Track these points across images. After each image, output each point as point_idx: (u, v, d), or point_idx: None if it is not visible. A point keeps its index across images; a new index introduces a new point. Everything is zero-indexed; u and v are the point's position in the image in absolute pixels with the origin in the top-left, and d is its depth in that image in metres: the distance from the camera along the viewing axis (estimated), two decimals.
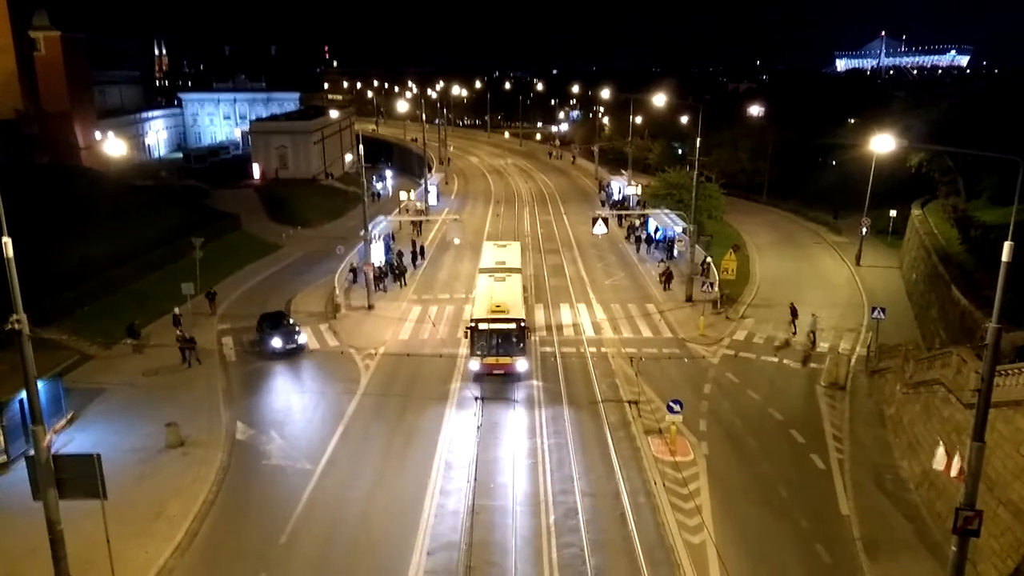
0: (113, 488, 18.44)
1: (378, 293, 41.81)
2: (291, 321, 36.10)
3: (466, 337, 30.80)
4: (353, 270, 44.42)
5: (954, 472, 16.75)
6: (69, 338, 34.68)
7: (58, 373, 29.66)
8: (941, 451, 17.83)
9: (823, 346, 34.72)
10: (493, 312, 30.40)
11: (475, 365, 30.32)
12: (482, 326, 29.94)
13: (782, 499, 22.55)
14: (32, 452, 17.84)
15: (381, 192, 78.45)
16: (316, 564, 19.59)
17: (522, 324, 30.17)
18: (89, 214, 50.26)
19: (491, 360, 30.05)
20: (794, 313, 36.75)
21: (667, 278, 44.60)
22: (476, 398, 28.68)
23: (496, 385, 30.26)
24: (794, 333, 36.06)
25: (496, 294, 32.21)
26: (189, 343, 33.33)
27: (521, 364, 30.23)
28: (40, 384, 20.19)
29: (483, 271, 36.79)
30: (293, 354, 33.77)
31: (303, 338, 34.46)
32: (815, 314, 35.80)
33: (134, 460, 24.41)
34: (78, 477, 17.58)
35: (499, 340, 29.89)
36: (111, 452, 22.71)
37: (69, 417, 27.09)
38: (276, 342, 33.74)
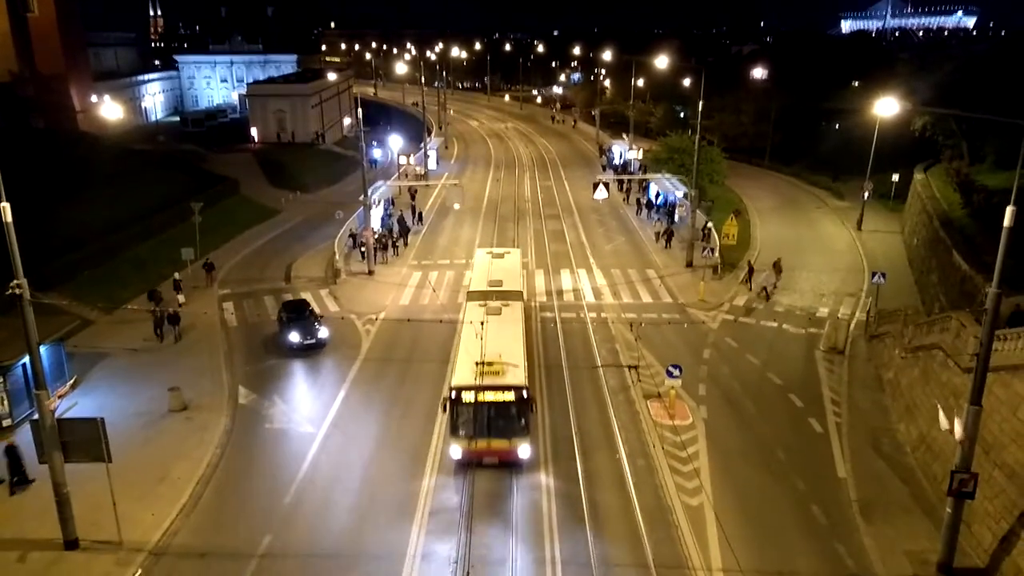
0: (117, 451, 18.68)
1: (379, 264, 41.55)
2: (313, 311, 32.82)
3: (443, 410, 22.50)
4: (353, 235, 44.30)
5: (958, 434, 16.90)
6: (70, 303, 34.72)
7: (60, 338, 29.72)
8: (943, 414, 17.97)
9: (823, 311, 34.81)
10: (484, 372, 21.86)
11: (456, 452, 21.80)
12: (466, 396, 21.46)
13: (780, 462, 22.80)
14: (36, 416, 18.03)
15: (380, 159, 77.94)
16: (320, 525, 19.88)
17: (524, 393, 21.62)
18: (87, 178, 49.98)
19: (480, 445, 21.53)
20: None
21: (668, 237, 44.76)
22: (476, 363, 28.77)
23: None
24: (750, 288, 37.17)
25: (489, 344, 23.23)
26: (173, 319, 31.80)
27: (523, 450, 21.80)
28: (42, 349, 20.33)
29: (472, 296, 28.80)
30: (312, 350, 30.82)
31: (324, 332, 31.30)
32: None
33: (138, 424, 24.63)
34: (83, 441, 17.81)
35: (491, 416, 21.55)
36: (115, 416, 22.88)
37: (72, 381, 27.24)
38: (294, 336, 30.70)
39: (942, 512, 18.14)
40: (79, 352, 29.61)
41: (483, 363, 22.18)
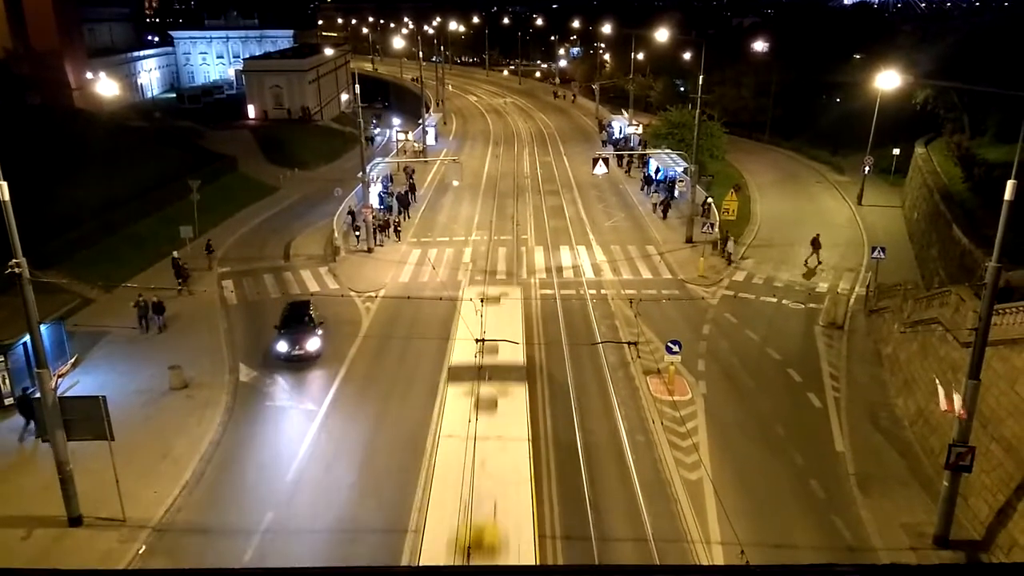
0: (119, 430, 18.80)
1: (378, 244, 41.16)
2: (312, 318, 29.37)
3: None
4: (352, 213, 44.14)
5: (958, 408, 16.96)
6: (70, 282, 34.67)
7: (60, 316, 29.78)
8: (942, 393, 18.03)
9: (822, 286, 34.81)
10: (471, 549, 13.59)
11: None
12: None
13: (778, 437, 22.94)
14: (38, 394, 18.10)
15: (377, 136, 77.42)
16: (321, 501, 20.05)
17: None
18: (84, 156, 49.64)
19: None
20: (815, 245, 37.52)
21: (664, 208, 44.98)
22: (476, 340, 28.83)
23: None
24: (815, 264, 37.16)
25: (480, 482, 15.13)
26: (157, 308, 30.53)
27: None
28: (43, 328, 20.35)
29: (455, 377, 20.40)
30: (301, 362, 27.84)
31: (316, 343, 28.13)
32: (816, 242, 37.31)
33: (139, 402, 24.73)
34: (85, 419, 17.91)
35: None
36: (116, 394, 22.96)
37: (73, 360, 27.32)
38: (281, 346, 27.86)
39: (939, 485, 18.29)
40: (79, 330, 29.66)
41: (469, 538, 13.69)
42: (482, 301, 24.41)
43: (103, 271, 36.37)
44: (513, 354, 21.57)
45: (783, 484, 20.73)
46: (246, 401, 25.42)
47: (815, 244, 37.53)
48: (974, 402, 17.15)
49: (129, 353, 28.65)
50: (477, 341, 21.77)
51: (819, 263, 37.10)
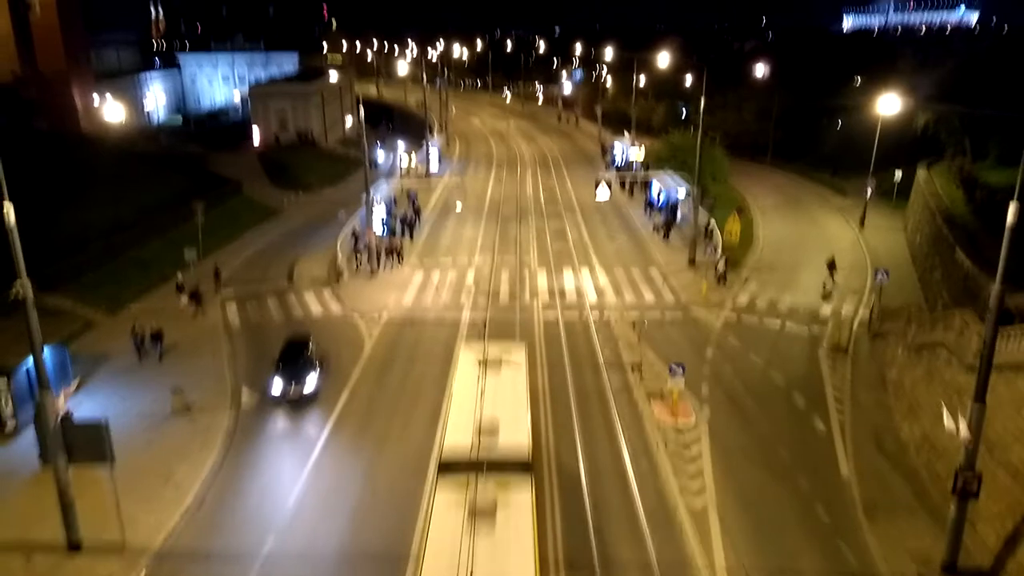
0: (121, 454, 18.72)
1: (382, 270, 40.90)
2: (310, 356, 27.71)
3: None
4: (355, 235, 44.23)
5: (962, 433, 16.86)
6: (74, 304, 34.78)
7: (64, 339, 29.81)
8: (947, 416, 17.93)
9: (826, 310, 34.76)
10: None
11: None
12: None
13: (783, 462, 22.78)
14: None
15: (380, 162, 77.90)
16: (323, 526, 19.89)
17: None
18: (90, 179, 50.02)
19: None
20: (831, 267, 37.60)
21: (666, 229, 45.30)
22: (479, 362, 28.78)
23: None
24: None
25: None
26: (156, 336, 29.92)
27: None
28: (46, 350, 20.40)
29: (446, 472, 17.11)
30: (298, 405, 26.28)
31: (312, 384, 26.53)
32: (833, 264, 37.34)
33: (141, 426, 24.65)
34: (86, 443, 17.85)
35: None
36: (118, 418, 22.91)
37: (76, 383, 27.30)
38: (275, 387, 26.29)
39: (946, 511, 18.12)
40: (83, 353, 29.65)
41: None
42: (480, 365, 21.50)
43: (107, 294, 36.50)
44: (516, 444, 17.93)
45: (788, 509, 20.55)
46: (248, 425, 25.32)
47: (831, 266, 37.61)
48: (980, 426, 17.03)
49: (132, 376, 28.62)
50: (479, 363, 21.64)
51: (834, 284, 37.08)
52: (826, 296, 36.31)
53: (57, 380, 24.41)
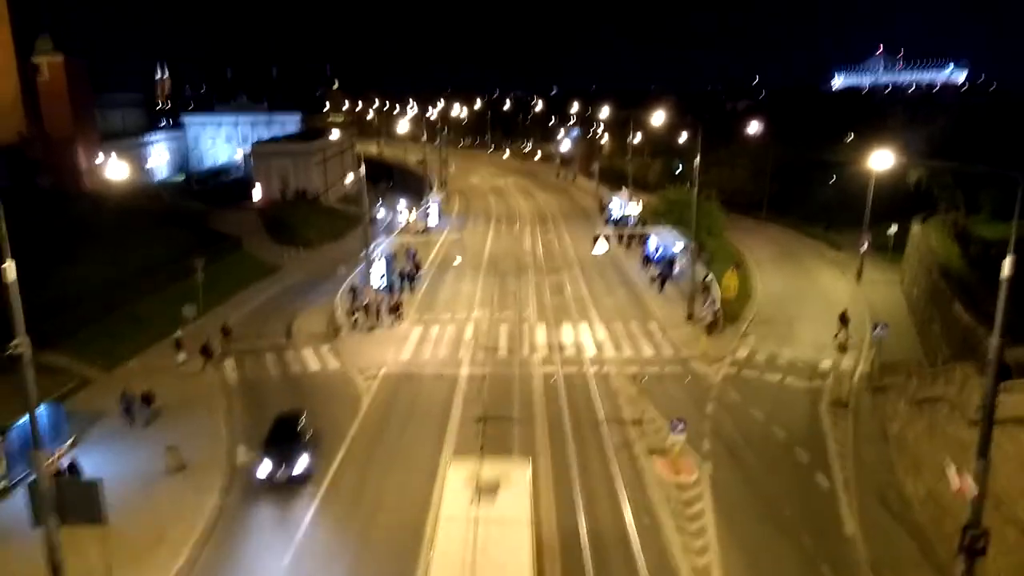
0: (114, 513, 18.37)
1: (380, 326, 40.76)
2: (301, 432, 26.06)
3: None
4: (353, 290, 44.31)
5: (967, 489, 16.63)
6: (70, 361, 34.67)
7: (59, 397, 29.62)
8: (953, 473, 17.70)
9: (825, 364, 34.66)
10: None
11: None
12: None
13: (787, 519, 22.40)
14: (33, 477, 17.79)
15: (380, 218, 78.61)
16: None
17: None
18: (90, 237, 50.47)
19: None
20: (844, 320, 37.65)
21: (661, 281, 45.66)
22: (478, 419, 28.61)
23: (497, 406, 30.16)
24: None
25: None
26: (145, 399, 29.45)
27: None
28: (41, 408, 20.25)
29: None
30: (290, 487, 24.39)
31: (303, 464, 24.66)
32: (845, 317, 37.38)
33: (135, 485, 24.27)
34: (79, 503, 17.52)
35: None
36: (112, 477, 22.51)
37: (70, 442, 27.00)
38: (263, 468, 24.38)
39: (953, 569, 17.75)
40: (78, 411, 29.41)
41: None
42: (473, 495, 17.49)
43: (104, 351, 36.42)
44: None
45: (793, 568, 20.13)
46: (244, 483, 24.95)
47: (843, 319, 37.70)
48: (985, 482, 16.82)
49: (127, 434, 28.35)
50: (478, 421, 21.47)
51: (848, 336, 37.07)
52: (842, 348, 36.37)
53: (52, 439, 24.16)
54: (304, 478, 24.71)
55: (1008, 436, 19.18)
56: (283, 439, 25.51)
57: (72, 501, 17.53)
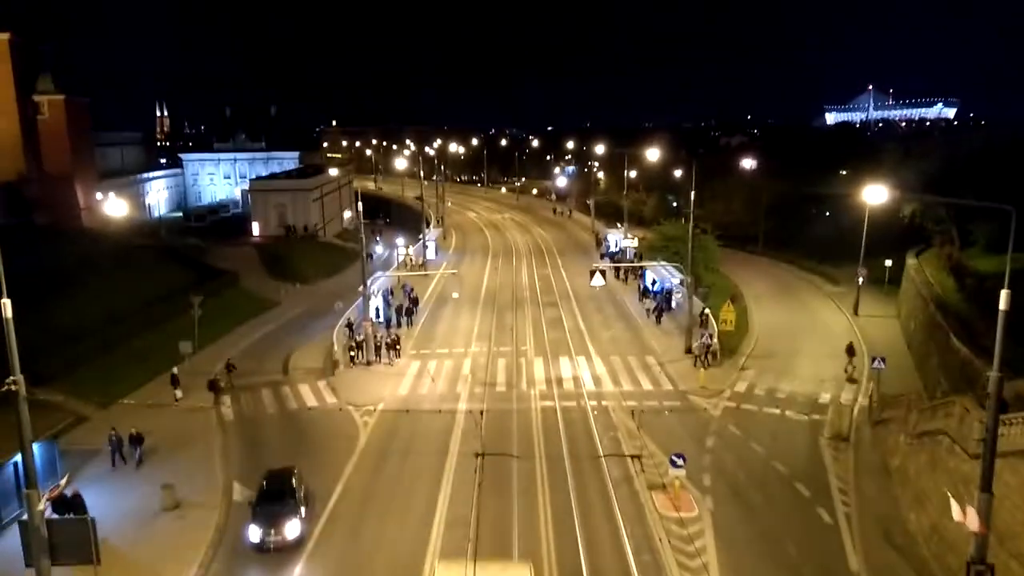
0: (107, 553, 18.15)
1: (377, 364, 40.26)
2: (294, 491, 23.94)
3: None
4: (350, 325, 44.17)
5: (971, 523, 16.46)
6: (66, 399, 34.40)
7: (53, 435, 29.34)
8: (955, 505, 17.55)
9: (824, 397, 34.55)
10: None
11: None
12: None
13: (790, 556, 22.12)
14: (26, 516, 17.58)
15: (375, 254, 78.87)
16: None
17: None
18: (87, 274, 50.38)
19: None
20: (851, 352, 37.88)
21: (658, 313, 45.76)
22: (476, 455, 28.31)
23: (496, 441, 29.91)
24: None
25: None
26: (135, 440, 28.35)
27: None
28: (35, 446, 20.01)
29: None
30: (280, 552, 22.39)
31: (295, 528, 22.69)
32: (851, 349, 37.66)
33: (129, 523, 23.93)
34: (71, 542, 17.32)
35: None
36: (106, 515, 22.27)
37: (64, 480, 26.67)
38: (253, 531, 22.47)
39: None
40: (73, 448, 29.10)
41: None
42: None
43: (100, 387, 36.14)
44: None
45: None
46: (239, 521, 24.54)
47: (850, 351, 37.81)
48: (989, 517, 16.67)
49: (121, 472, 28.02)
50: (476, 456, 21.31)
51: (853, 368, 37.11)
52: (851, 380, 36.36)
53: (45, 477, 23.87)
54: (297, 543, 22.61)
55: (1010, 469, 19.07)
56: (273, 499, 23.41)
57: (65, 540, 17.33)
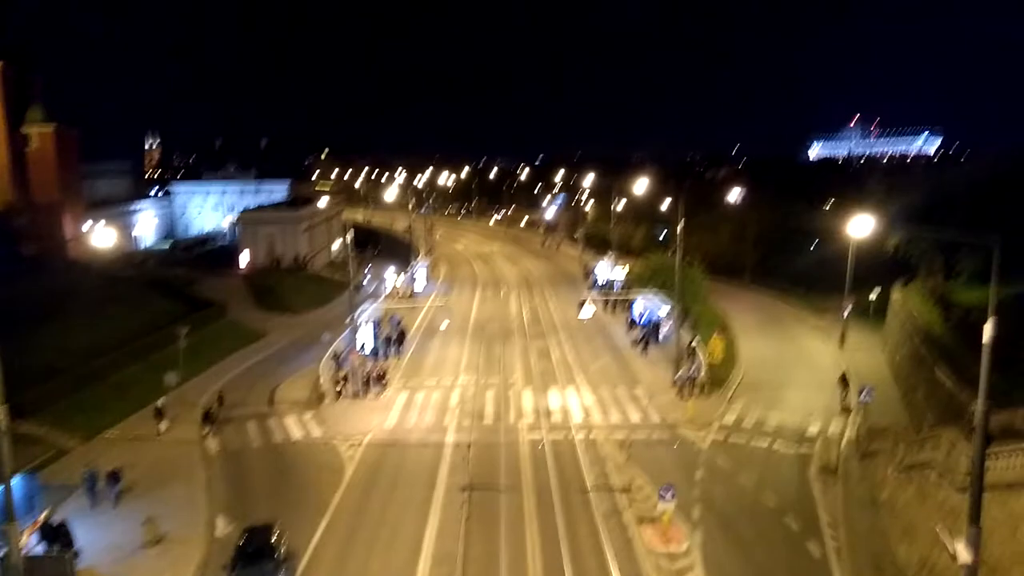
0: None
1: (364, 396, 39.80)
2: (275, 549, 22.68)
3: None
4: (336, 357, 43.92)
5: (960, 557, 16.39)
6: (48, 431, 33.91)
7: (34, 468, 28.87)
8: (947, 539, 17.49)
9: (812, 430, 34.53)
10: None
11: None
12: None
13: None
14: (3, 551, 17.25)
15: (366, 284, 78.74)
16: None
17: None
18: (73, 305, 50.02)
19: None
20: (844, 382, 37.73)
21: (644, 344, 45.77)
22: (463, 489, 28.11)
23: (484, 474, 29.68)
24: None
25: None
26: (112, 478, 27.66)
27: None
28: (15, 480, 19.71)
29: None
30: None
31: None
32: (845, 379, 37.52)
33: (110, 559, 23.53)
34: None
35: None
36: (87, 550, 21.92)
37: (44, 515, 26.15)
38: None
39: None
40: (53, 482, 28.61)
41: None
42: None
43: (83, 420, 35.70)
44: None
45: None
46: (222, 556, 24.15)
47: (844, 381, 37.80)
48: (978, 550, 16.62)
49: (103, 505, 27.53)
50: (463, 491, 21.11)
51: (845, 397, 37.11)
52: (846, 410, 36.35)
53: (25, 511, 23.43)
54: None
55: (998, 502, 19.08)
56: (253, 558, 22.03)
57: None
